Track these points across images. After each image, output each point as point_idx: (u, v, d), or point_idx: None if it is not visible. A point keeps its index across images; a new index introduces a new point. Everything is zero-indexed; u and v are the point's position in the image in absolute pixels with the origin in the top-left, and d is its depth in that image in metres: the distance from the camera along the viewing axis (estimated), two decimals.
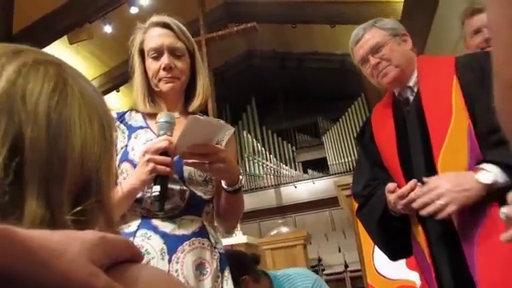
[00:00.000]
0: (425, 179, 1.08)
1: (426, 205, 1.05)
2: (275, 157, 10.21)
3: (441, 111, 1.11)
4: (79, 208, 0.35)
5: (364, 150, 1.35)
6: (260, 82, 10.33)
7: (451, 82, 1.13)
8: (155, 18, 1.19)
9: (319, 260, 7.61)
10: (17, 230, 0.26)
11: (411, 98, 1.23)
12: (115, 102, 8.46)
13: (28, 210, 0.32)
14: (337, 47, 7.85)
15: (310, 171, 10.15)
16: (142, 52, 1.19)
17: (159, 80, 1.12)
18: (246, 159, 10.00)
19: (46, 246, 0.27)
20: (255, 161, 10.00)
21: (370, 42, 1.22)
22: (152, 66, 1.14)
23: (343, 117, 10.16)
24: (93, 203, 0.36)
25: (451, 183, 1.03)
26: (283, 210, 9.38)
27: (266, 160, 10.07)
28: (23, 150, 0.33)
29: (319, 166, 10.22)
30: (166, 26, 1.18)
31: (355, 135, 1.68)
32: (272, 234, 5.01)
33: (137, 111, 1.18)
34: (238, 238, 4.79)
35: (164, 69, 1.12)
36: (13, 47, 0.38)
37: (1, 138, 0.32)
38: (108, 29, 6.58)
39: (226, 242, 4.70)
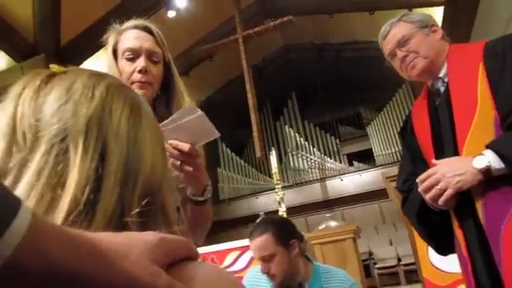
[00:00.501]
0: (434, 161, 1.09)
1: (427, 190, 1.07)
2: (319, 150, 10.09)
3: (467, 101, 1.09)
4: (142, 209, 0.38)
5: (405, 144, 1.35)
6: (299, 75, 10.23)
7: (477, 69, 1.09)
8: (135, 21, 1.17)
9: (370, 254, 7.45)
10: (86, 233, 0.29)
11: (442, 88, 1.21)
12: None
13: (100, 212, 0.35)
14: (376, 35, 7.55)
15: (355, 163, 9.94)
16: (114, 53, 1.14)
17: (132, 83, 1.05)
18: (290, 154, 9.96)
19: (112, 249, 0.29)
20: (299, 155, 9.94)
21: (397, 35, 1.24)
22: (126, 67, 1.10)
23: (387, 106, 9.84)
24: (155, 208, 0.40)
25: (448, 168, 1.04)
26: (330, 204, 9.26)
27: (310, 154, 9.97)
28: (105, 159, 0.37)
29: (365, 158, 9.98)
30: (146, 29, 1.15)
31: (401, 125, 1.66)
32: (320, 228, 4.95)
33: None
34: None
35: (140, 71, 1.07)
36: (91, 70, 0.44)
37: (94, 144, 0.37)
38: None
39: None
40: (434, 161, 1.09)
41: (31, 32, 5.38)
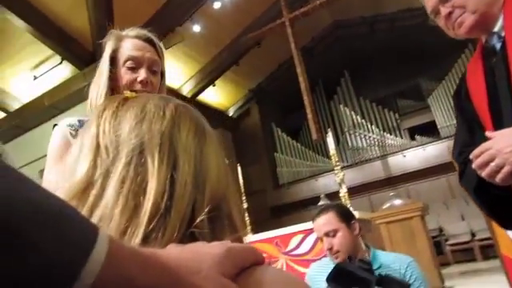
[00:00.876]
0: (488, 134, 0.95)
1: (481, 167, 0.94)
2: (377, 127, 9.75)
3: None
4: (210, 215, 0.41)
5: (459, 111, 1.20)
6: (351, 51, 9.91)
7: None
8: (136, 31, 1.19)
9: (440, 230, 7.14)
10: (158, 252, 0.31)
11: (498, 45, 1.05)
12: (213, 96, 8.91)
13: (175, 216, 0.39)
14: None
15: (418, 137, 9.48)
16: (112, 59, 1.16)
17: (132, 92, 1.08)
18: (347, 133, 9.75)
19: (183, 265, 0.31)
20: (356, 134, 9.69)
21: None
22: (127, 76, 1.13)
23: (449, 74, 9.22)
24: (222, 214, 0.43)
25: (505, 142, 0.91)
26: (393, 182, 8.96)
27: (368, 131, 9.67)
28: (177, 169, 0.41)
29: (428, 131, 9.48)
30: (148, 40, 1.18)
31: None
32: (385, 207, 4.82)
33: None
34: None
35: (141, 82, 1.11)
36: (159, 94, 0.52)
37: (167, 156, 0.42)
38: (196, 28, 6.91)
39: None
40: (488, 133, 0.96)
41: (89, 40, 5.71)
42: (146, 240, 0.37)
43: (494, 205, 1.10)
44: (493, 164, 0.92)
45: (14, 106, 6.47)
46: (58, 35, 5.52)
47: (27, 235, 0.22)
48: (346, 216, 1.67)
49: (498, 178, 0.94)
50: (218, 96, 9.11)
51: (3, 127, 6.10)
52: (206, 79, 8.12)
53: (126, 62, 1.15)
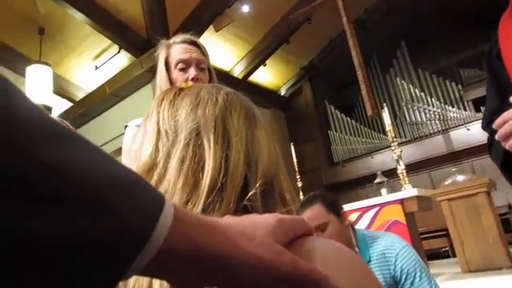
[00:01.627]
0: None
1: (505, 138, 0.86)
2: (438, 100, 9.23)
3: None
4: (262, 191, 0.45)
5: (490, 73, 1.09)
6: (407, 21, 9.37)
7: None
8: (182, 37, 1.35)
9: (510, 207, 6.71)
10: (218, 220, 0.35)
11: None
12: (265, 76, 8.90)
13: (230, 190, 0.43)
14: None
15: (483, 109, 8.85)
16: (166, 65, 1.33)
17: None
18: (404, 108, 9.33)
19: (240, 232, 0.33)
20: (415, 108, 9.24)
21: None
22: (179, 77, 1.29)
23: None
24: (273, 191, 0.47)
25: None
26: (456, 157, 8.49)
27: (428, 105, 9.19)
28: (230, 149, 0.45)
29: None
30: (192, 43, 1.34)
31: None
32: (446, 183, 4.61)
33: None
34: (408, 191, 4.57)
35: (192, 79, 1.25)
36: (211, 84, 0.55)
37: (221, 138, 0.46)
38: (245, 8, 6.89)
39: (396, 196, 4.54)
40: None
41: (143, 28, 5.92)
42: (204, 211, 0.41)
43: None
44: None
45: (79, 95, 6.91)
46: (115, 25, 5.78)
47: (106, 200, 0.25)
48: (333, 206, 1.57)
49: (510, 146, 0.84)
50: (269, 76, 9.09)
51: (71, 116, 6.55)
52: (257, 59, 8.11)
53: (177, 64, 1.32)
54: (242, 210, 0.43)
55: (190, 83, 0.56)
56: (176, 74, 1.31)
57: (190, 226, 0.30)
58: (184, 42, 1.36)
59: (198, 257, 0.30)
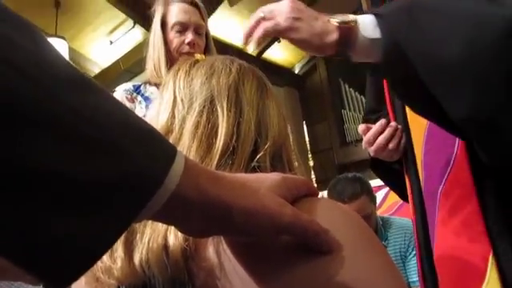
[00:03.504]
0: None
1: (368, 144, 0.98)
2: None
3: None
4: (270, 156, 0.48)
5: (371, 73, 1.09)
6: None
7: None
8: None
9: None
10: (226, 173, 0.37)
11: None
12: (279, 53, 8.80)
13: (241, 153, 0.46)
14: None
15: None
16: (163, 24, 1.25)
17: (180, 54, 1.14)
18: None
19: (246, 184, 0.36)
20: None
21: None
22: (175, 39, 1.21)
23: None
24: (281, 156, 0.49)
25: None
26: None
27: None
28: (242, 117, 0.48)
29: None
30: (193, 4, 1.24)
31: None
32: None
33: (150, 84, 1.22)
34: None
35: (188, 44, 1.18)
36: (224, 56, 0.57)
37: (234, 106, 0.48)
38: None
39: None
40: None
41: None
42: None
43: (394, 178, 1.04)
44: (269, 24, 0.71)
45: (95, 70, 6.96)
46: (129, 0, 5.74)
47: (123, 144, 0.27)
48: (373, 195, 1.57)
49: (372, 151, 0.92)
50: (283, 53, 8.98)
51: None
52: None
53: (173, 26, 1.25)
54: (251, 171, 0.45)
55: (204, 56, 0.58)
56: (172, 36, 1.25)
57: (199, 175, 0.32)
58: (184, 1, 1.29)
59: (206, 204, 0.32)
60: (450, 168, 0.76)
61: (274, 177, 0.39)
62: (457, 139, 0.75)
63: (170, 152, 0.30)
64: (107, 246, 0.26)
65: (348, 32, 0.68)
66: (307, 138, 7.24)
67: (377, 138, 0.96)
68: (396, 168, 1.03)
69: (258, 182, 0.37)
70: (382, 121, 0.97)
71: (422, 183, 0.85)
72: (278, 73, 8.85)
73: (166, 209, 0.29)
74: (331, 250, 0.35)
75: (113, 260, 0.39)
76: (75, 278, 0.25)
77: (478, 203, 0.70)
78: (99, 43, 6.62)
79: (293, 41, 0.68)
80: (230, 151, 0.45)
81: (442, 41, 0.56)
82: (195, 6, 1.28)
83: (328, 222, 0.37)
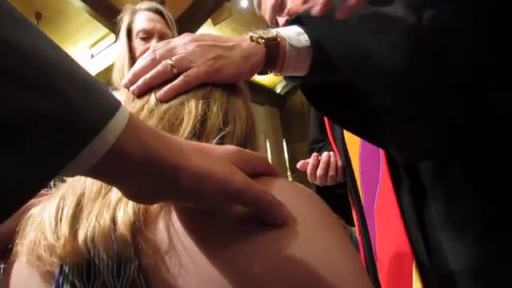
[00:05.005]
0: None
1: (311, 176, 1.09)
2: None
3: None
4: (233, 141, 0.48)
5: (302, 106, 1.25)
6: None
7: None
8: (147, 4, 1.26)
9: None
10: (176, 137, 0.36)
11: None
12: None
13: (206, 136, 0.46)
14: None
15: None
16: (128, 32, 1.24)
17: None
18: None
19: (196, 149, 0.34)
20: None
21: None
22: (140, 47, 1.20)
23: None
24: (247, 147, 0.49)
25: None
26: None
27: None
28: (209, 110, 0.48)
29: None
30: (158, 12, 1.24)
31: None
32: None
33: (116, 91, 1.22)
34: None
35: None
36: None
37: (202, 101, 0.49)
38: (244, 3, 6.88)
39: None
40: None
41: None
42: None
43: (339, 203, 1.08)
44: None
45: None
46: (112, 14, 5.75)
47: (59, 84, 0.25)
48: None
49: (317, 182, 1.01)
50: None
51: None
52: None
53: (138, 33, 1.24)
54: None
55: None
56: (137, 43, 1.24)
57: (144, 132, 0.30)
58: (149, 9, 1.28)
59: (150, 162, 0.29)
60: (378, 186, 0.81)
61: (229, 147, 0.38)
62: (381, 161, 0.80)
63: (113, 103, 0.28)
64: (29, 193, 0.24)
65: (275, 47, 0.63)
66: (287, 156, 7.26)
67: (316, 171, 1.03)
68: (340, 193, 1.08)
69: (211, 149, 0.36)
70: (314, 155, 1.04)
71: (363, 203, 0.88)
72: (259, 92, 8.92)
73: (105, 164, 0.27)
74: (285, 224, 0.33)
75: (56, 237, 0.36)
76: None
77: (401, 216, 0.73)
78: (80, 56, 6.56)
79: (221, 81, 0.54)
80: (194, 135, 0.44)
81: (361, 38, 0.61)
82: (160, 14, 1.29)
83: (284, 197, 0.35)
